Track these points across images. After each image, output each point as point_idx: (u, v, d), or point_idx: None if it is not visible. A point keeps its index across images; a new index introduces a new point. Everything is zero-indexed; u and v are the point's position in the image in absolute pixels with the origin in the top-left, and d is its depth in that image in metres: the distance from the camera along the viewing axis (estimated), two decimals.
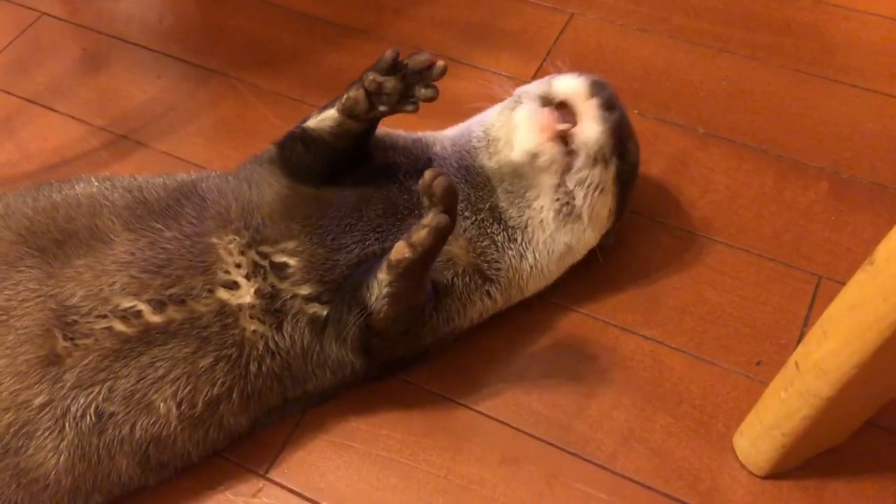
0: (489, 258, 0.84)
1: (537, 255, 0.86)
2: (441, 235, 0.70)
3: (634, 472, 0.81)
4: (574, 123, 0.83)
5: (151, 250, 0.76)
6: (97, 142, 1.09)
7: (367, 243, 0.80)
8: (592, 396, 0.86)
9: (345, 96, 0.78)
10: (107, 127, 1.11)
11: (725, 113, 1.10)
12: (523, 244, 0.85)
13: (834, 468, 0.81)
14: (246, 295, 0.76)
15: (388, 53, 0.75)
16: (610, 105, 0.83)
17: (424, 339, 0.82)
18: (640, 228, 0.97)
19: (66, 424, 0.70)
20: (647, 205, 1.00)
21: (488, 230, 0.84)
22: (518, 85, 1.11)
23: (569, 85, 0.85)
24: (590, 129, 0.82)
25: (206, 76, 1.17)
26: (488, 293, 0.84)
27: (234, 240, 0.77)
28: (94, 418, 0.71)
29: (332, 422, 0.84)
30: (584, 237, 0.86)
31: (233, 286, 0.76)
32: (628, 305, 0.92)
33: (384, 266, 0.72)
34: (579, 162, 0.82)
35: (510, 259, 0.85)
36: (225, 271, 0.76)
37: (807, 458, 0.80)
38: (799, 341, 0.88)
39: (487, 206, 0.85)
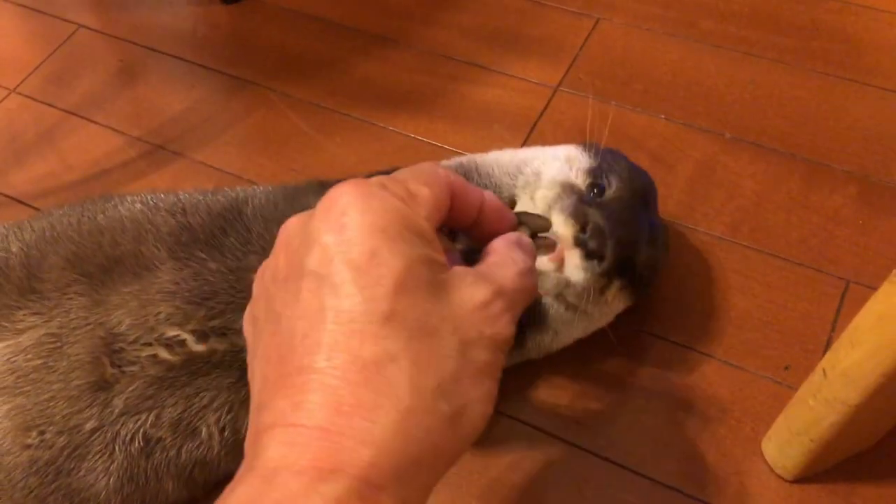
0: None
1: (557, 329, 0.85)
2: None
3: (664, 476, 0.82)
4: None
5: (195, 281, 0.76)
6: (135, 152, 1.12)
7: None
8: (622, 401, 0.87)
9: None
10: (144, 137, 1.14)
11: (752, 117, 1.10)
12: (544, 320, 0.84)
13: (862, 473, 0.81)
14: None
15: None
16: (595, 255, 0.77)
17: None
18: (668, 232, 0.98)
19: (116, 448, 0.73)
20: (674, 210, 1.01)
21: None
22: (545, 92, 1.13)
23: (557, 227, 0.77)
24: (573, 274, 0.77)
25: (240, 86, 1.19)
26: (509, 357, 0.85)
27: None
28: (142, 443, 0.73)
29: None
30: (601, 322, 0.85)
31: None
32: (656, 311, 0.93)
33: None
34: (571, 290, 0.79)
35: (532, 332, 0.85)
36: None
37: (835, 463, 0.81)
38: (827, 345, 0.89)
39: None
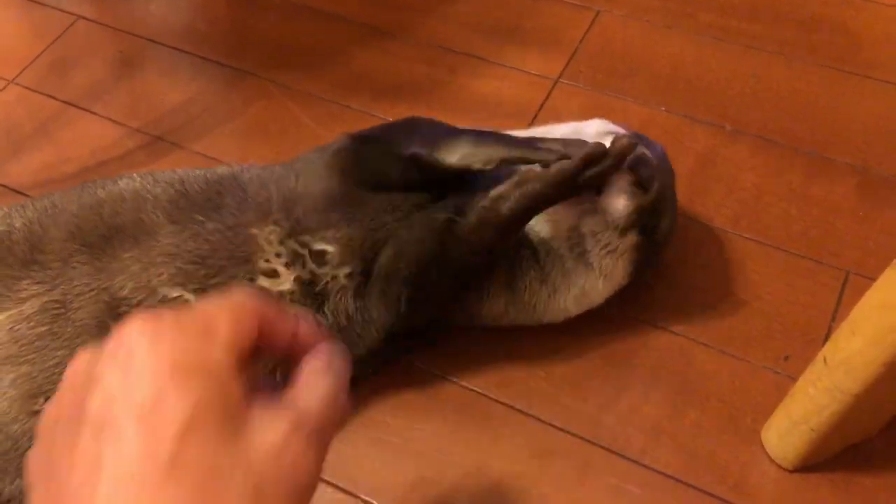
0: (514, 272, 0.85)
1: (556, 284, 0.86)
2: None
3: (664, 465, 0.82)
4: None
5: (195, 242, 0.78)
6: (134, 143, 1.12)
7: (408, 216, 0.81)
8: (622, 391, 0.87)
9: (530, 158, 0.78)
10: (143, 128, 1.13)
11: (753, 110, 1.10)
12: (545, 267, 0.86)
13: (862, 462, 0.82)
14: (286, 282, 0.78)
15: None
16: (645, 184, 0.82)
17: (449, 314, 0.85)
18: None
19: None
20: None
21: (520, 251, 0.85)
22: (546, 84, 1.14)
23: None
24: (615, 201, 0.82)
25: (239, 77, 1.19)
26: (506, 302, 0.86)
27: (274, 230, 0.79)
28: None
29: (366, 416, 0.86)
30: (598, 287, 0.86)
31: (273, 274, 0.78)
32: (657, 302, 0.93)
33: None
34: (595, 218, 0.82)
35: (532, 279, 0.86)
36: (265, 260, 0.78)
37: (835, 452, 0.81)
38: (827, 336, 0.89)
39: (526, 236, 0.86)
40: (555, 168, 0.74)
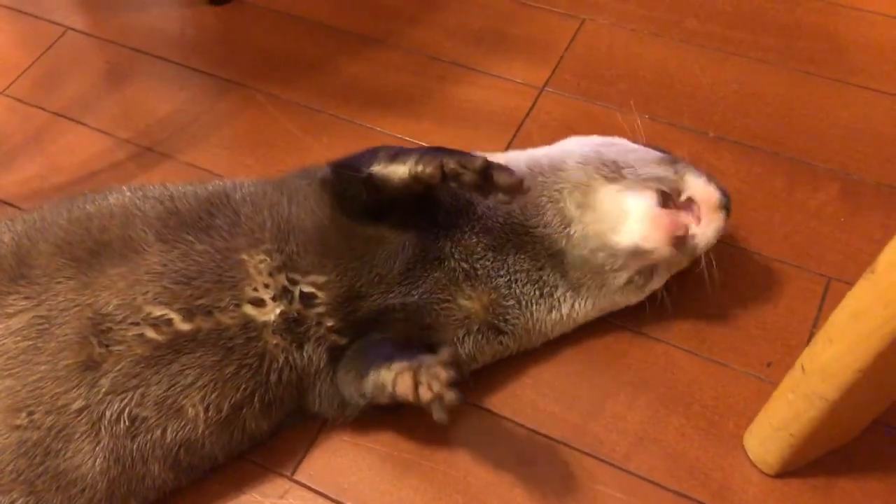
0: (508, 316, 0.85)
1: (577, 305, 0.87)
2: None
3: (648, 471, 0.83)
4: (690, 219, 0.86)
5: (183, 262, 0.78)
6: (123, 154, 1.12)
7: (391, 296, 0.81)
8: (606, 398, 0.88)
9: (420, 166, 0.76)
10: (132, 139, 1.14)
11: (736, 116, 1.12)
12: (561, 298, 0.87)
13: (842, 467, 0.83)
14: (271, 313, 0.78)
15: (480, 162, 0.73)
16: (730, 213, 0.88)
17: None
18: None
19: (102, 428, 0.74)
20: None
21: (518, 290, 0.85)
22: (531, 93, 1.14)
23: (703, 190, 0.86)
24: (709, 235, 0.86)
25: (227, 87, 1.20)
26: (500, 342, 0.86)
27: (265, 260, 0.79)
28: (127, 422, 0.75)
29: (354, 425, 0.87)
30: (634, 299, 0.90)
31: (259, 303, 0.78)
32: (640, 309, 0.93)
33: (385, 381, 0.72)
34: (681, 255, 0.86)
35: (533, 313, 0.86)
36: (253, 289, 0.79)
37: (816, 457, 0.82)
38: (809, 342, 0.90)
39: (526, 266, 0.85)
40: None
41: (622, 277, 0.86)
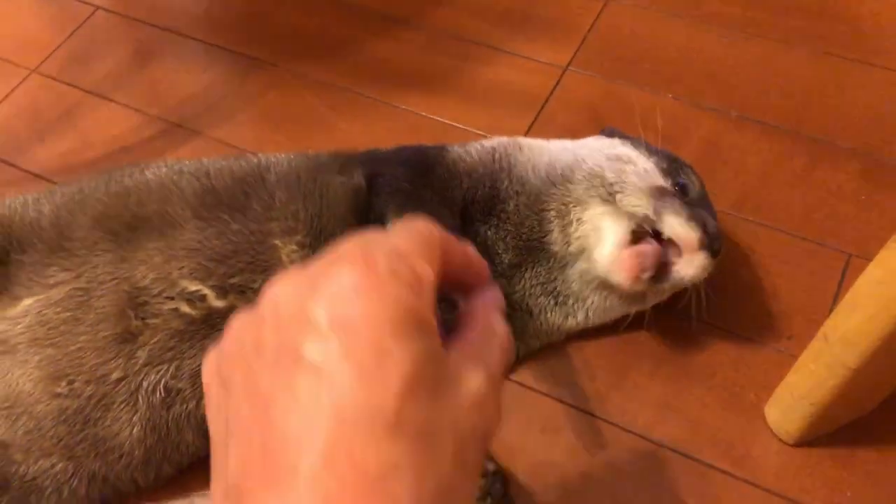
0: (514, 327, 0.84)
1: (591, 314, 0.88)
2: None
3: (670, 440, 0.85)
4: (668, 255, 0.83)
5: (218, 240, 0.79)
6: (154, 130, 1.15)
7: None
8: (629, 369, 0.90)
9: None
10: (162, 116, 1.16)
11: (758, 96, 1.13)
12: (574, 306, 0.88)
13: (862, 436, 0.84)
14: None
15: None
16: (716, 252, 0.83)
17: None
18: None
19: (140, 398, 0.76)
20: None
21: (531, 303, 0.87)
22: (554, 73, 1.16)
23: (682, 233, 0.81)
24: (688, 272, 0.82)
25: (255, 66, 1.22)
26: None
27: (297, 251, 0.80)
28: (163, 393, 0.77)
29: None
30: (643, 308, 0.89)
31: None
32: None
33: None
34: (664, 286, 0.84)
35: (549, 319, 0.88)
36: None
37: (836, 427, 0.84)
38: (829, 316, 0.91)
39: (541, 280, 0.87)
40: None
41: (614, 298, 0.87)
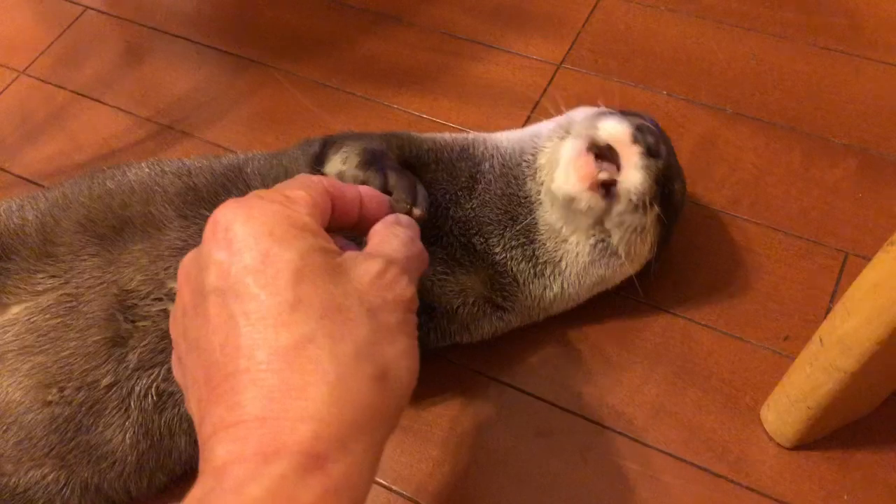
0: (506, 293, 0.85)
1: (566, 285, 0.86)
2: None
3: (665, 443, 0.84)
4: (619, 167, 0.80)
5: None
6: (143, 132, 1.13)
7: None
8: (624, 372, 0.89)
9: (346, 166, 0.78)
10: (152, 117, 1.15)
11: (754, 92, 1.11)
12: (551, 277, 0.86)
13: (860, 439, 0.83)
14: None
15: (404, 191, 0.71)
16: (654, 152, 0.80)
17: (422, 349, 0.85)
18: None
19: (131, 403, 0.75)
20: None
21: (515, 268, 0.85)
22: (548, 70, 1.15)
23: (613, 129, 0.81)
24: (633, 176, 0.79)
25: (245, 65, 1.20)
26: (500, 318, 0.86)
27: None
28: (155, 397, 0.76)
29: None
30: (621, 271, 0.86)
31: None
32: (658, 283, 0.94)
33: None
34: (620, 207, 0.80)
35: (531, 291, 0.86)
36: None
37: (833, 430, 0.83)
38: (826, 316, 0.90)
39: (524, 241, 0.85)
40: None
41: (581, 239, 0.84)
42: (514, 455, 0.84)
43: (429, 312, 0.83)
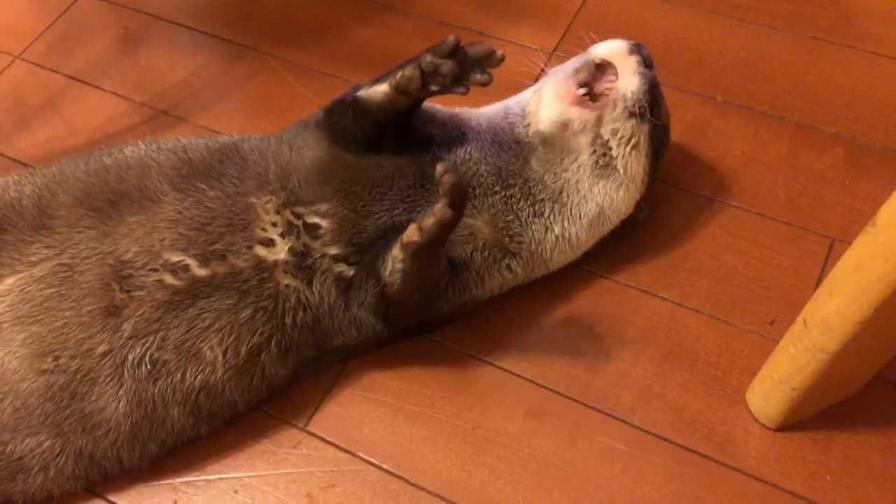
0: (512, 232, 0.88)
1: (566, 223, 0.89)
2: (445, 227, 0.74)
3: (652, 425, 0.86)
4: (611, 82, 0.88)
5: (196, 209, 0.81)
6: (139, 117, 1.14)
7: (396, 212, 0.84)
8: (613, 354, 0.90)
9: (399, 73, 0.82)
10: (147, 103, 1.16)
11: (743, 81, 1.13)
12: (551, 216, 0.89)
13: (843, 421, 0.85)
14: (280, 252, 0.81)
15: (451, 39, 0.78)
16: (648, 63, 0.90)
17: (441, 308, 0.87)
18: (660, 193, 1.01)
19: (125, 372, 0.77)
20: (666, 171, 1.02)
21: (514, 206, 0.88)
22: (542, 57, 1.15)
23: (609, 45, 0.91)
24: (630, 81, 0.88)
25: (241, 52, 1.21)
26: (508, 267, 0.88)
27: (272, 200, 0.83)
28: (149, 366, 0.77)
29: (366, 378, 0.90)
30: (618, 197, 0.90)
31: (269, 243, 0.81)
32: (647, 268, 0.96)
33: (398, 244, 0.77)
34: (615, 113, 0.87)
35: (534, 233, 0.89)
36: (262, 229, 0.82)
37: (816, 412, 0.84)
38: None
39: (520, 180, 0.89)
40: (429, 221, 0.74)
41: (583, 159, 0.88)
42: (503, 436, 0.86)
43: (451, 266, 0.85)
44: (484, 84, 0.80)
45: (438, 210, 0.72)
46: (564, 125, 0.87)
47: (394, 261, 0.78)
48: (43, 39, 1.24)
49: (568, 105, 0.87)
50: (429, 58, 0.79)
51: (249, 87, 1.17)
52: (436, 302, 0.86)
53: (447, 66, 0.79)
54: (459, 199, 0.73)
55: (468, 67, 0.80)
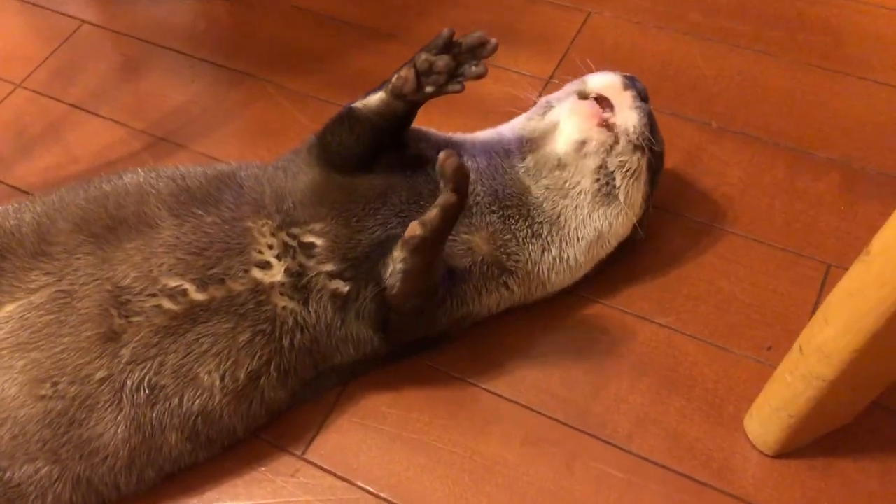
0: (509, 251, 0.89)
1: (564, 244, 0.90)
2: (450, 214, 0.75)
3: (650, 452, 0.85)
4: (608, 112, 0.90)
5: (194, 234, 0.82)
6: (138, 144, 1.15)
7: (390, 226, 0.85)
8: (610, 381, 0.90)
9: (394, 77, 0.83)
10: (147, 130, 1.17)
11: (739, 107, 1.13)
12: (549, 237, 0.90)
13: (841, 447, 0.85)
14: (277, 274, 0.82)
15: (445, 32, 0.81)
16: (644, 97, 0.92)
17: (439, 321, 0.87)
18: (656, 220, 1.01)
19: (123, 397, 0.77)
20: (663, 197, 1.03)
21: (512, 226, 0.89)
22: (537, 85, 1.16)
23: (604, 80, 0.93)
24: (629, 116, 0.90)
25: (239, 79, 1.22)
26: (506, 284, 0.89)
27: (267, 223, 0.84)
28: (147, 391, 0.78)
29: (363, 406, 0.90)
30: (617, 223, 0.91)
31: (265, 266, 0.82)
32: (644, 294, 0.96)
33: (399, 244, 0.77)
34: (620, 147, 0.89)
35: (531, 253, 0.89)
36: (258, 252, 0.82)
37: (814, 438, 0.84)
38: None
39: (517, 202, 0.90)
40: (432, 212, 0.74)
41: (585, 185, 0.89)
42: (501, 464, 0.85)
43: (449, 277, 0.85)
44: (478, 77, 0.82)
45: (442, 197, 0.73)
46: (581, 144, 0.89)
47: (394, 262, 0.79)
48: (44, 67, 1.25)
49: (594, 124, 0.89)
50: (423, 56, 0.81)
51: (247, 114, 1.18)
52: (434, 312, 0.86)
53: (442, 61, 0.80)
54: (463, 184, 0.74)
55: (462, 61, 0.82)
